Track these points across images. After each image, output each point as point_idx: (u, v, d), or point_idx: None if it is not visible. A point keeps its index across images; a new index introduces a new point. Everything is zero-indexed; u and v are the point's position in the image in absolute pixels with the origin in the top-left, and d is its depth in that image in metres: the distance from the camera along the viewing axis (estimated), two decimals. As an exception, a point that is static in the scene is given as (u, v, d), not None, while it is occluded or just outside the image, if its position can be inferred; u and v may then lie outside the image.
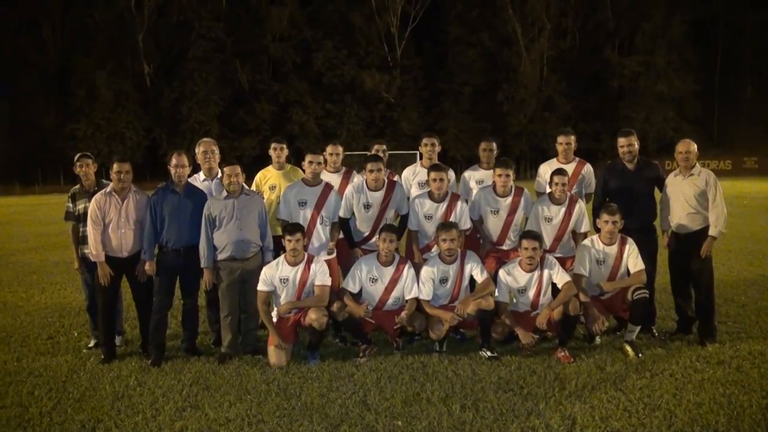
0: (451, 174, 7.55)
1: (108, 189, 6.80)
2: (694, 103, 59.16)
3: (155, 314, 6.77)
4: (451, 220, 7.00)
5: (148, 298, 6.89)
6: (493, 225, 7.23)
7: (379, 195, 7.14)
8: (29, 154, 58.59)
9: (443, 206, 7.09)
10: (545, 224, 7.11)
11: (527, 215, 7.27)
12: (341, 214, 7.15)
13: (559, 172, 7.08)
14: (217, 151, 7.57)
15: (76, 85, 57.87)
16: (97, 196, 6.79)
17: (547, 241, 7.10)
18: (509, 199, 7.15)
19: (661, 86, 57.41)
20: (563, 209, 7.09)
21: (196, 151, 7.58)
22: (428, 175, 7.15)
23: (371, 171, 7.05)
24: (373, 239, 7.14)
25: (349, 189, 7.21)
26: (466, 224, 7.17)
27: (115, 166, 6.74)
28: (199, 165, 7.58)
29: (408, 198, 7.47)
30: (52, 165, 58.54)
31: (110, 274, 6.69)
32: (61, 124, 57.89)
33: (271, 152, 7.73)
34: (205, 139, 7.72)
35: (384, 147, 8.04)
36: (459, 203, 7.15)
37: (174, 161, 6.83)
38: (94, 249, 6.68)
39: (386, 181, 7.22)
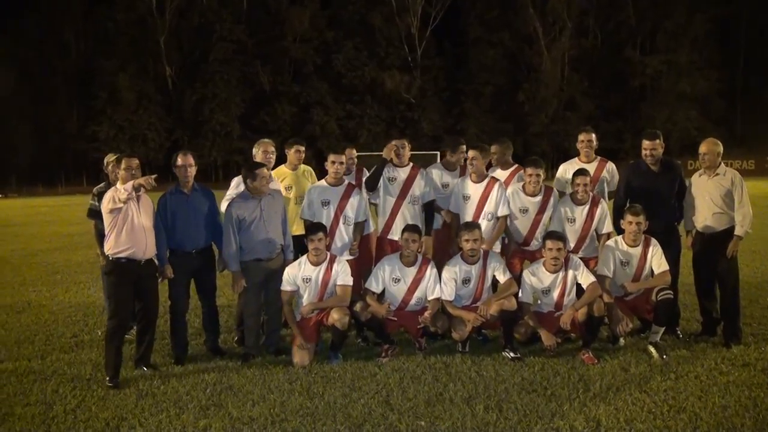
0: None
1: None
2: (717, 102, 58.35)
3: (172, 318, 6.76)
4: (487, 202, 7.05)
5: (155, 307, 6.55)
6: (521, 224, 7.20)
7: (404, 171, 7.28)
8: (52, 156, 59.26)
9: (481, 186, 7.18)
10: (568, 225, 7.07)
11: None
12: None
13: (581, 172, 7.04)
14: (274, 152, 7.66)
15: (98, 87, 58.36)
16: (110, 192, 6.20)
17: (571, 241, 7.05)
18: (539, 199, 7.13)
19: (683, 85, 56.68)
20: (586, 210, 7.05)
21: (254, 152, 7.63)
22: (467, 154, 7.32)
23: (395, 146, 7.19)
24: (395, 222, 7.21)
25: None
26: (503, 210, 7.15)
27: (124, 162, 6.22)
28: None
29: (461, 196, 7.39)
30: (74, 166, 59.36)
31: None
32: (83, 126, 58.61)
33: (293, 153, 7.75)
34: (264, 140, 7.78)
35: (404, 142, 7.86)
36: (496, 186, 7.17)
37: (180, 161, 6.66)
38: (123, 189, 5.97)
39: (412, 164, 7.37)
